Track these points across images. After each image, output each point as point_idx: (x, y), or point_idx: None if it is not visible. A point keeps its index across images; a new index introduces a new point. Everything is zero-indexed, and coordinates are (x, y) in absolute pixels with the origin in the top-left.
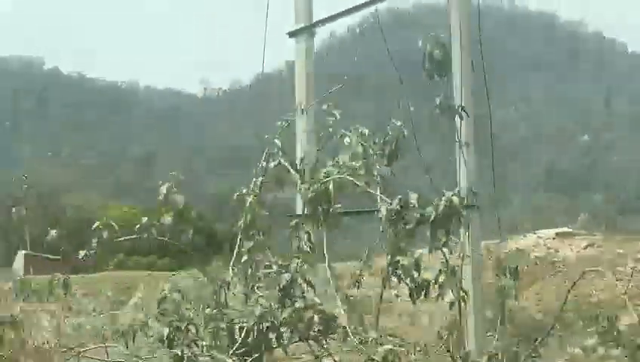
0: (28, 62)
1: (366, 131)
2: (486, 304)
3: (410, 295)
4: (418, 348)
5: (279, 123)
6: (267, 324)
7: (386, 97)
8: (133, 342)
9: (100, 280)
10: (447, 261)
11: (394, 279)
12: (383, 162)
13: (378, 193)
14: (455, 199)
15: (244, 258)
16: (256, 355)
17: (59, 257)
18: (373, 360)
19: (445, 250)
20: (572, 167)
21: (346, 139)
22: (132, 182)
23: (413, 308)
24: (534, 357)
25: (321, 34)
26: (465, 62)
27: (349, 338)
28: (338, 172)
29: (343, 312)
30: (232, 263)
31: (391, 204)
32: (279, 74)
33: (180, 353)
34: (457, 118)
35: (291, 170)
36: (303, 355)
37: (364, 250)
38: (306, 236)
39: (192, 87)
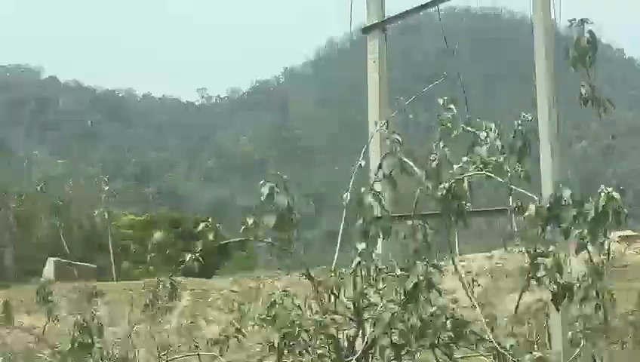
0: (26, 71)
1: (492, 126)
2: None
3: (553, 299)
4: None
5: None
6: (393, 331)
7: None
8: (227, 350)
9: (133, 288)
10: (592, 261)
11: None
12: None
13: (517, 190)
14: (616, 195)
15: (356, 260)
16: None
17: (90, 264)
18: None
19: (592, 248)
20: (570, 174)
21: (482, 134)
22: (131, 190)
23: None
24: None
25: (319, 42)
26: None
27: (483, 345)
28: (475, 168)
29: (481, 316)
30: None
31: (538, 201)
32: (277, 80)
33: None
34: (542, 121)
35: (414, 168)
36: None
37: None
38: (424, 237)
39: (190, 95)
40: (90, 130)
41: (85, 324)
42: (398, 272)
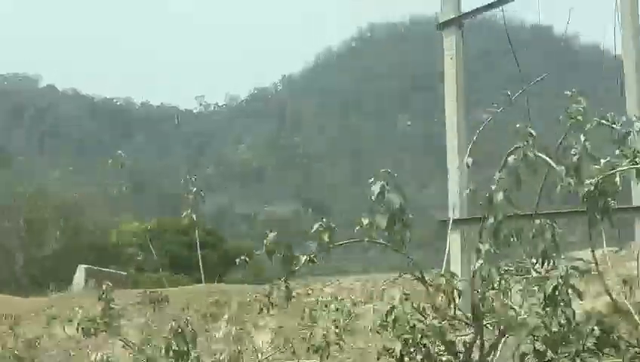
0: (24, 79)
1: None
2: None
3: None
4: None
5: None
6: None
7: (386, 111)
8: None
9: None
10: None
11: None
12: None
13: None
14: None
15: (478, 262)
16: None
17: (120, 272)
18: None
19: None
20: (569, 180)
21: (637, 125)
22: (129, 197)
23: None
24: None
25: (317, 48)
26: None
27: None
28: (630, 162)
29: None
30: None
31: None
32: (275, 87)
33: None
34: None
35: (551, 163)
36: None
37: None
38: (552, 236)
39: (188, 103)
40: (88, 138)
41: (180, 331)
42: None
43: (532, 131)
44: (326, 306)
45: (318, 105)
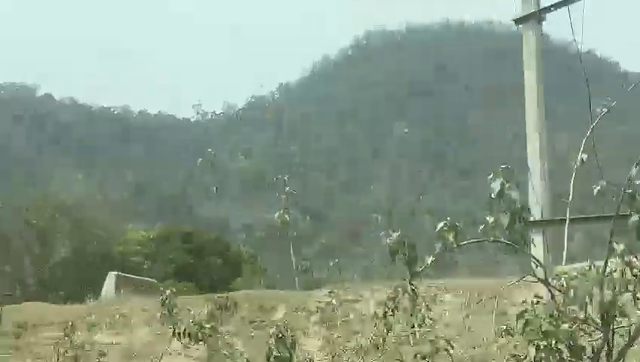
0: (21, 88)
1: None
2: None
3: None
4: None
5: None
6: None
7: (382, 119)
8: None
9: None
10: None
11: None
12: None
13: None
14: None
15: (611, 262)
16: None
17: (150, 279)
18: None
19: None
20: (567, 188)
21: None
22: (130, 204)
23: None
24: None
25: (314, 56)
26: None
27: None
28: None
29: None
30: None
31: None
32: (272, 95)
33: None
34: None
35: None
36: None
37: None
38: None
39: (186, 112)
40: (86, 147)
41: (282, 336)
42: None
43: None
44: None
45: (315, 113)
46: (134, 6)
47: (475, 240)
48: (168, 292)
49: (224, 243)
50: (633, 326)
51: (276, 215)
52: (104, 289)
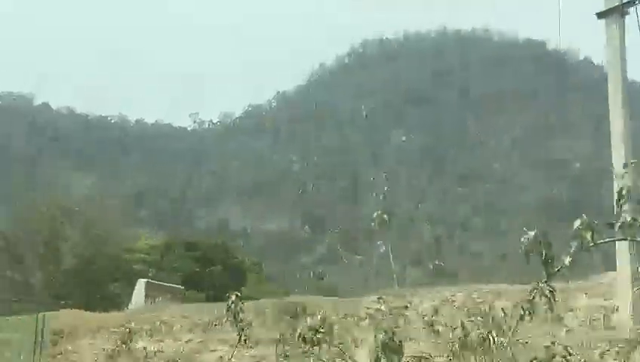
0: (19, 98)
1: None
2: None
3: None
4: None
5: None
6: None
7: (379, 127)
8: None
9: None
10: None
11: None
12: None
13: None
14: None
15: None
16: None
17: (178, 286)
18: None
19: None
20: (565, 195)
21: None
22: (129, 213)
23: None
24: None
25: (311, 64)
26: None
27: None
28: None
29: None
30: None
31: None
32: (269, 104)
33: None
34: None
35: None
36: None
37: None
38: None
39: (183, 120)
40: (84, 155)
41: (389, 342)
42: None
43: None
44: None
45: (312, 122)
46: (132, 10)
47: (612, 239)
48: (234, 297)
49: (228, 252)
50: None
51: (374, 214)
52: (134, 296)
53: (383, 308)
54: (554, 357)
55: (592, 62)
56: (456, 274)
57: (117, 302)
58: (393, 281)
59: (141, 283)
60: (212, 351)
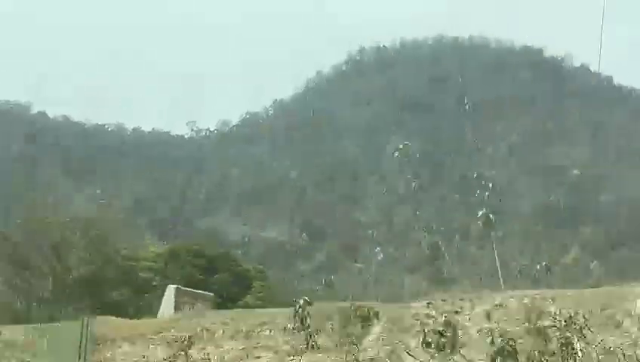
0: (15, 106)
1: None
2: None
3: None
4: None
5: None
6: None
7: (377, 134)
8: None
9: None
10: None
11: None
12: None
13: None
14: None
15: None
16: None
17: (208, 292)
18: None
19: None
20: (562, 201)
21: None
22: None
23: None
24: None
25: (308, 73)
26: None
27: None
28: None
29: None
30: None
31: None
32: (266, 112)
33: None
34: None
35: None
36: None
37: None
38: None
39: (180, 129)
40: (81, 164)
41: (505, 346)
42: None
43: None
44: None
45: (310, 129)
46: (131, 10)
47: None
48: (302, 301)
49: (233, 260)
50: None
51: (479, 213)
52: (163, 303)
53: (433, 313)
54: None
55: (589, 69)
56: (456, 281)
57: (125, 309)
58: (401, 288)
59: (171, 290)
60: (257, 357)
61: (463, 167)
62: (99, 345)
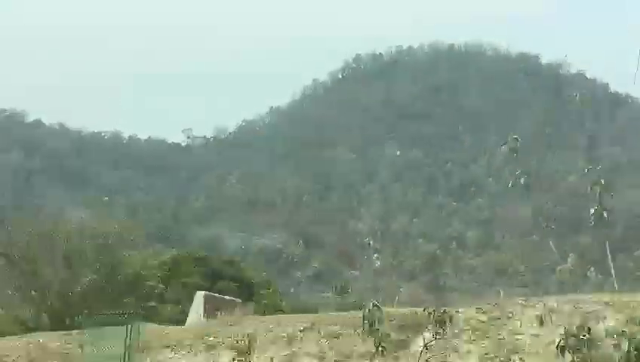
0: (12, 115)
1: None
2: None
3: None
4: None
5: None
6: None
7: (373, 141)
8: None
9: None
10: None
11: None
12: None
13: None
14: None
15: None
16: None
17: (235, 299)
18: None
19: None
20: (559, 209)
21: None
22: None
23: None
24: None
25: (304, 80)
26: None
27: None
28: None
29: None
30: None
31: None
32: (263, 119)
33: None
34: None
35: None
36: None
37: None
38: None
39: (176, 136)
40: (77, 172)
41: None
42: None
43: None
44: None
45: (306, 137)
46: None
47: None
48: (372, 304)
49: (237, 267)
50: None
51: (591, 210)
52: (192, 309)
53: (484, 318)
54: None
55: (585, 77)
56: (455, 289)
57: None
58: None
59: (199, 296)
60: None
61: (459, 174)
62: (143, 352)
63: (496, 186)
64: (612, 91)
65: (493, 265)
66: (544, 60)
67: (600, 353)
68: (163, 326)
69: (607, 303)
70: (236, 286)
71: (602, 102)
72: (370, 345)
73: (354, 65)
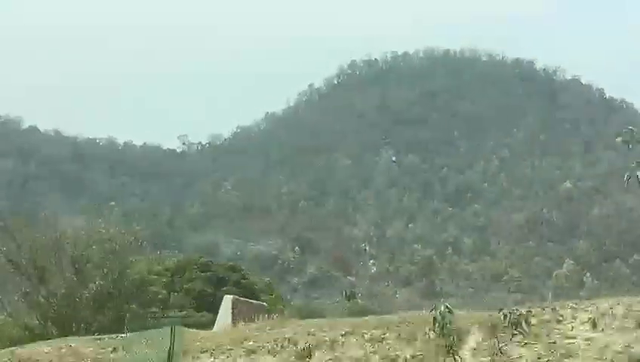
0: (7, 122)
1: None
2: None
3: None
4: None
5: None
6: None
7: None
8: None
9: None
10: None
11: None
12: None
13: None
14: None
15: None
16: None
17: (262, 303)
18: None
19: None
20: (554, 214)
21: None
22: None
23: None
24: None
25: (300, 86)
26: None
27: None
28: None
29: None
30: None
31: None
32: (258, 125)
33: None
34: None
35: None
36: None
37: None
38: None
39: (171, 143)
40: (73, 179)
41: None
42: None
43: None
44: None
45: (301, 143)
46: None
47: None
48: (443, 307)
49: (240, 273)
50: None
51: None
52: (220, 313)
53: (534, 321)
54: None
55: (580, 82)
56: (451, 294)
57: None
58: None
59: (228, 300)
60: None
61: (455, 180)
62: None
63: (491, 192)
64: (607, 97)
65: (489, 271)
66: (539, 65)
67: None
68: (194, 331)
69: None
70: (239, 291)
71: (598, 107)
72: (413, 350)
73: (349, 71)
